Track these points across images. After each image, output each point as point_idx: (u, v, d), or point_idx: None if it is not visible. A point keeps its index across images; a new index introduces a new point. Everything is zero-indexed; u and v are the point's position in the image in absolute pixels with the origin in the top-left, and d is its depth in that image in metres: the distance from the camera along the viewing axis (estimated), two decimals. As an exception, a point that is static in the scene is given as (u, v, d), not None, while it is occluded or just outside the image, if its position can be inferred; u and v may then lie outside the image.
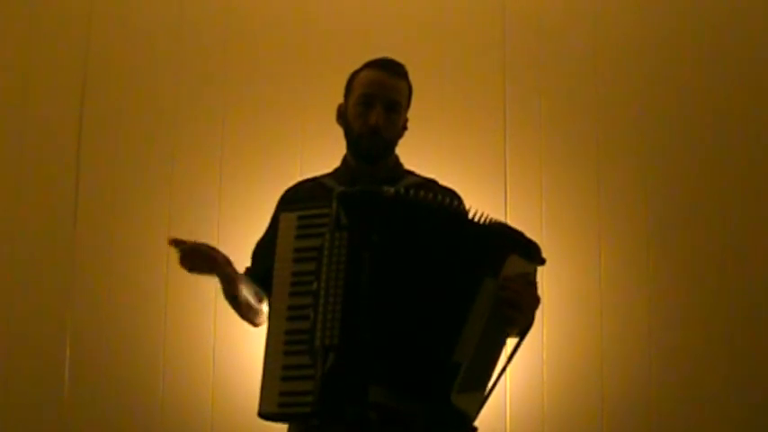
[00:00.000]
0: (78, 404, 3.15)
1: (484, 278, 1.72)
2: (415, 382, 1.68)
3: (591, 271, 3.15)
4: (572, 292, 3.12)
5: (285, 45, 3.35)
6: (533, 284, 1.81)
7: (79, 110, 3.34)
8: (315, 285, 1.71)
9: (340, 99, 2.12)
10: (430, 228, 1.74)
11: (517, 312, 1.74)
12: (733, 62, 3.28)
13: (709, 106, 3.26)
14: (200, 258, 1.98)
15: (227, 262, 1.99)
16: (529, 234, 1.79)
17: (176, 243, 1.97)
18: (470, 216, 1.76)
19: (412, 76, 2.10)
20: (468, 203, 1.95)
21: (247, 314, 2.08)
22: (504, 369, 1.78)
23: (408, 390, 1.68)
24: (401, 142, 2.12)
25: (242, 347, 3.01)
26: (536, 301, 1.81)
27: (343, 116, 2.09)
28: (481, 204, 1.79)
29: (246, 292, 2.02)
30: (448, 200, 1.81)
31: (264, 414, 1.73)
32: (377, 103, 2.00)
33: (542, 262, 1.81)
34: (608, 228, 3.19)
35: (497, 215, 1.78)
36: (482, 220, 1.76)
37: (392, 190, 1.75)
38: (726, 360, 3.10)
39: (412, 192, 1.76)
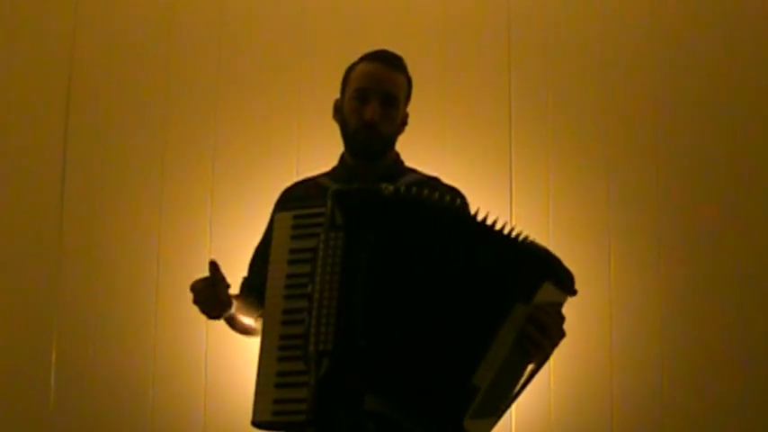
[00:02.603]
0: (65, 412, 3.15)
1: (516, 302, 1.69)
2: (423, 396, 1.66)
3: (600, 274, 3.15)
4: (580, 296, 3.08)
5: (280, 38, 3.35)
6: (562, 317, 1.77)
7: (65, 107, 3.34)
8: (309, 288, 1.70)
9: (337, 94, 2.13)
10: (438, 231, 1.71)
11: (544, 345, 1.71)
12: (750, 58, 3.28)
13: (723, 103, 3.25)
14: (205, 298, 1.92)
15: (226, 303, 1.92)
16: (535, 235, 1.76)
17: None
18: (495, 226, 1.71)
19: (413, 70, 2.10)
20: (472, 203, 1.96)
21: (248, 335, 2.09)
22: (515, 397, 1.76)
23: (413, 403, 1.66)
24: (402, 138, 2.12)
25: (235, 353, 3.01)
26: (562, 336, 1.77)
27: (339, 112, 2.10)
28: (486, 204, 1.77)
29: (246, 320, 2.01)
30: (458, 201, 1.79)
31: (258, 422, 1.73)
32: (372, 97, 2.00)
33: (574, 293, 1.77)
34: (618, 229, 3.19)
35: (502, 216, 1.75)
36: (513, 235, 1.71)
37: (391, 188, 1.73)
38: (742, 369, 3.10)
39: (414, 189, 1.73)
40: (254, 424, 1.74)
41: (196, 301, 1.88)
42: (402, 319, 1.68)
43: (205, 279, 1.86)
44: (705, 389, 3.09)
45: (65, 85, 3.35)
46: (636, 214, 3.19)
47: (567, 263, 1.76)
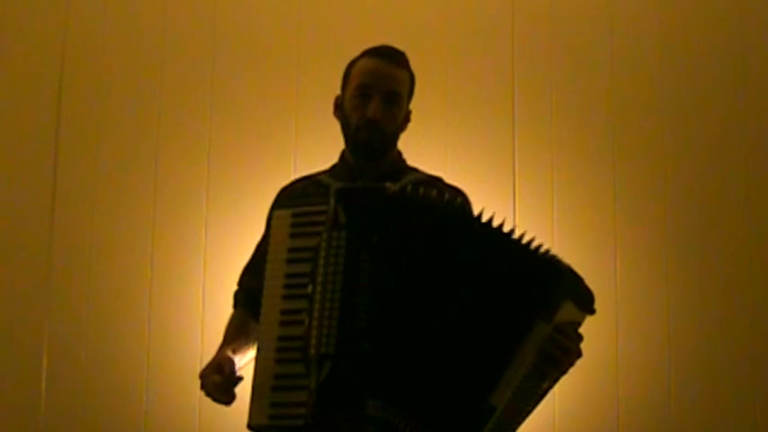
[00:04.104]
0: (56, 418, 3.14)
1: (536, 321, 1.65)
2: (434, 409, 1.64)
3: (605, 276, 3.14)
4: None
5: (277, 33, 3.34)
6: (581, 337, 1.74)
7: (57, 106, 3.34)
8: (310, 288, 1.69)
9: (336, 90, 2.12)
10: (447, 233, 1.69)
11: (564, 366, 1.70)
12: (757, 56, 3.28)
13: (729, 102, 3.25)
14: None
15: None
16: (538, 237, 1.72)
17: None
18: (512, 234, 1.68)
19: (416, 68, 2.10)
20: (474, 203, 1.95)
21: None
22: (528, 414, 1.76)
23: (421, 412, 1.64)
24: (404, 137, 2.12)
25: (231, 356, 3.00)
26: (579, 355, 1.74)
27: (340, 109, 2.09)
28: (488, 204, 1.76)
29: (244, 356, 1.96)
30: (469, 205, 1.77)
31: (255, 427, 1.72)
32: (375, 94, 2.00)
33: (593, 312, 1.74)
34: (623, 230, 3.19)
35: (505, 216, 1.72)
36: (532, 246, 1.67)
37: (395, 187, 1.72)
38: (752, 375, 3.10)
39: (422, 189, 1.73)
40: (250, 427, 1.73)
41: (204, 387, 1.87)
42: (407, 323, 1.66)
43: (213, 365, 1.86)
44: (714, 395, 3.09)
45: (56, 84, 3.35)
46: (642, 216, 3.19)
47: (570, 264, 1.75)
